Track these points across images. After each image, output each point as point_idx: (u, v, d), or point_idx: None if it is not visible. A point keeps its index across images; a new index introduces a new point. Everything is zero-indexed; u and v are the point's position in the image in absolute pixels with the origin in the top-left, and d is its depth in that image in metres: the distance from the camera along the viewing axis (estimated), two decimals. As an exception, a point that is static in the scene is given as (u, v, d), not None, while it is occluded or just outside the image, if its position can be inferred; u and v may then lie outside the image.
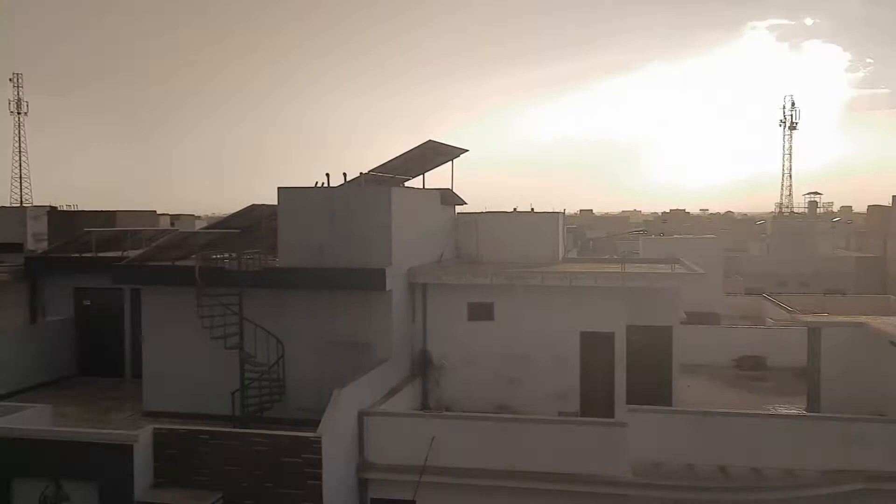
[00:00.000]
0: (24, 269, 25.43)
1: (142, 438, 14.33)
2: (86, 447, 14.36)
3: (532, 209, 26.14)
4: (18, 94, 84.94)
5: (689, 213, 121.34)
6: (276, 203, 19.38)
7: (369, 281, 18.30)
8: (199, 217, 60.31)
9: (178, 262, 20.48)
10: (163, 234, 25.34)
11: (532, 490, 15.36)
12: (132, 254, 22.67)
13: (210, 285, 17.53)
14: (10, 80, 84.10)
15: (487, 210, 26.26)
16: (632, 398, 18.42)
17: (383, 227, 18.70)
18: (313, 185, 19.96)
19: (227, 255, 19.41)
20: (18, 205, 65.99)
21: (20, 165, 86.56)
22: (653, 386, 19.73)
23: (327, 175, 20.14)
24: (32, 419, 15.59)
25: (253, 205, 20.38)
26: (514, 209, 26.08)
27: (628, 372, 19.42)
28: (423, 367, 20.32)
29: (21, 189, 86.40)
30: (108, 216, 34.05)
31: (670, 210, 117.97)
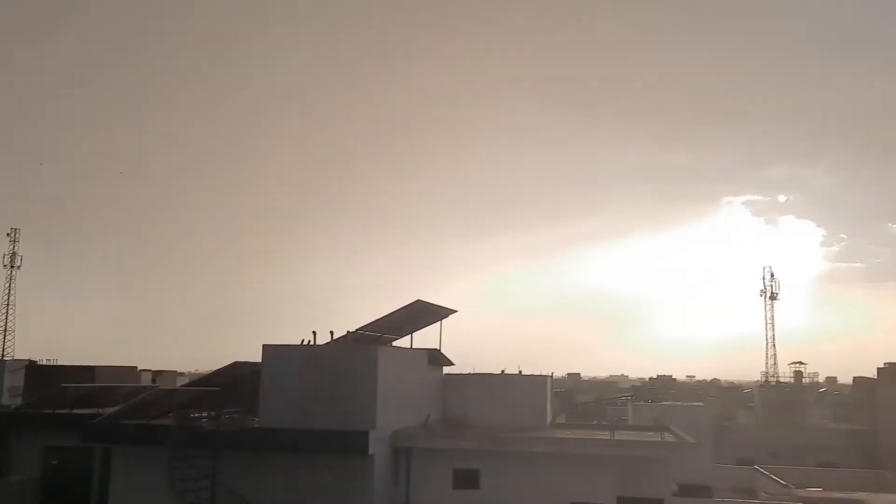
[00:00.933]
0: (-8, 424, 24.44)
1: None
2: None
3: (520, 372, 25.88)
4: (14, 248, 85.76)
5: (675, 379, 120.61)
6: (259, 361, 19.12)
7: (352, 444, 17.70)
8: (181, 373, 59.14)
9: (154, 421, 19.83)
10: (142, 391, 24.71)
11: None
12: (108, 411, 21.97)
13: (185, 446, 16.88)
14: (8, 234, 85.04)
15: (475, 371, 25.99)
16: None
17: (369, 388, 18.37)
18: (299, 343, 19.80)
19: (205, 414, 18.87)
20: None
21: (6, 318, 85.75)
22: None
23: (314, 333, 20.05)
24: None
25: (236, 362, 20.08)
26: (503, 371, 25.81)
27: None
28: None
29: (3, 342, 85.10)
30: (88, 371, 33.33)
31: (657, 376, 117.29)
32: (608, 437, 20.26)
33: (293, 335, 20.88)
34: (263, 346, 19.00)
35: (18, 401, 30.17)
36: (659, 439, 20.22)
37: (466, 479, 19.33)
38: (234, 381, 20.19)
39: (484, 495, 19.18)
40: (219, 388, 19.89)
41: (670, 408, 42.33)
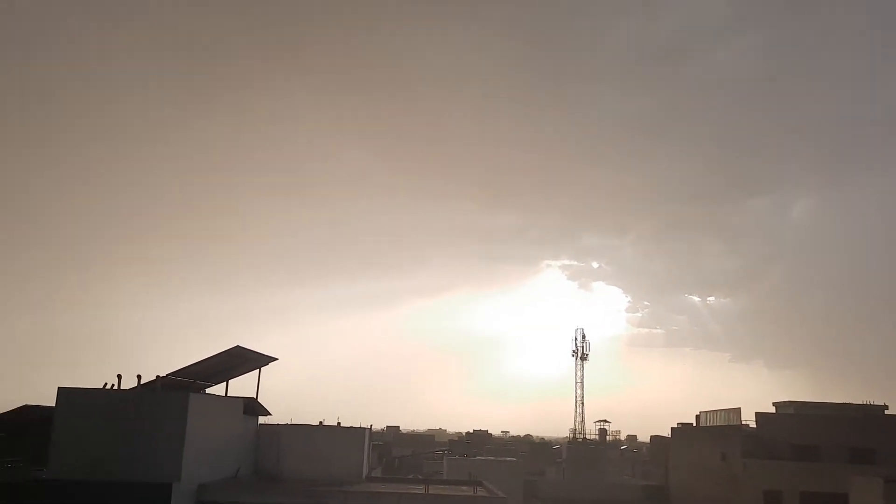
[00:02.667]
0: None
1: None
2: None
3: (339, 423, 25.53)
4: None
5: (491, 434, 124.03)
6: (53, 405, 17.50)
7: (152, 497, 16.52)
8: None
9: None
10: None
11: None
12: None
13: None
14: None
15: (293, 422, 25.30)
16: None
17: (176, 437, 17.31)
18: (101, 387, 18.36)
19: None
20: None
21: None
22: None
23: (119, 377, 18.71)
24: None
25: (25, 406, 18.29)
26: (321, 422, 25.33)
27: None
28: None
29: None
30: None
31: (474, 430, 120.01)
32: (422, 492, 20.34)
33: (96, 378, 19.37)
34: (59, 388, 17.42)
35: None
36: (471, 493, 20.60)
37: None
38: (21, 426, 18.32)
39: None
40: (2, 435, 17.95)
41: (484, 462, 43.35)
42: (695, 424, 44.81)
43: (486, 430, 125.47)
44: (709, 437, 39.80)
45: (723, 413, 40.17)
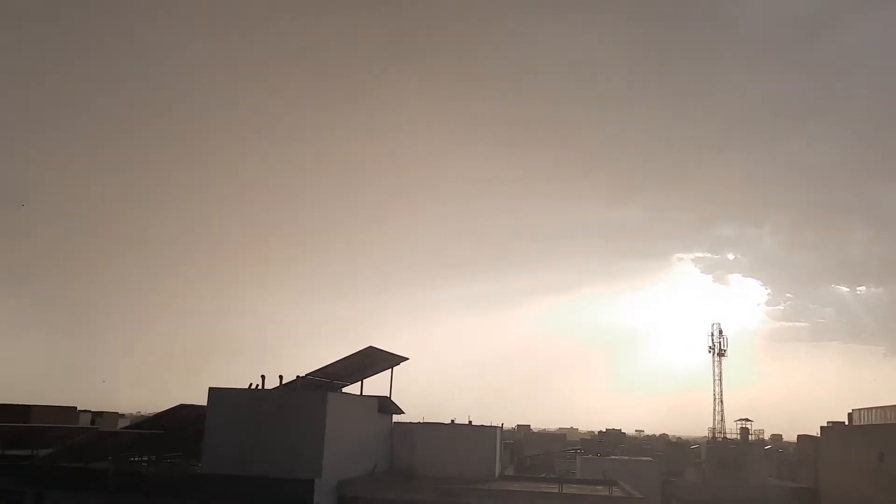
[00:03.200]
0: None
1: None
2: None
3: (470, 422, 25.75)
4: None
5: (624, 433, 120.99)
6: (205, 404, 18.69)
7: (296, 493, 17.30)
8: (122, 415, 57.23)
9: (92, 465, 19.13)
10: (79, 433, 23.84)
11: None
12: (43, 452, 21.11)
13: (123, 491, 16.30)
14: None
15: (425, 420, 25.76)
16: None
17: (316, 435, 18.05)
18: (247, 387, 19.43)
19: (145, 458, 18.29)
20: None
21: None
22: None
23: (262, 377, 19.74)
24: None
25: (181, 405, 19.59)
26: (452, 421, 25.65)
27: None
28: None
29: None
30: (22, 410, 31.99)
31: (606, 429, 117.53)
32: (556, 491, 20.15)
33: (241, 379, 20.52)
34: (209, 389, 18.60)
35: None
36: (607, 493, 20.21)
37: (413, 531, 18.99)
38: (178, 424, 19.68)
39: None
40: (161, 432, 19.35)
41: (619, 462, 42.41)
42: (847, 423, 41.90)
43: (620, 429, 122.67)
44: (864, 436, 37.11)
45: (879, 411, 37.36)
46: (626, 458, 52.61)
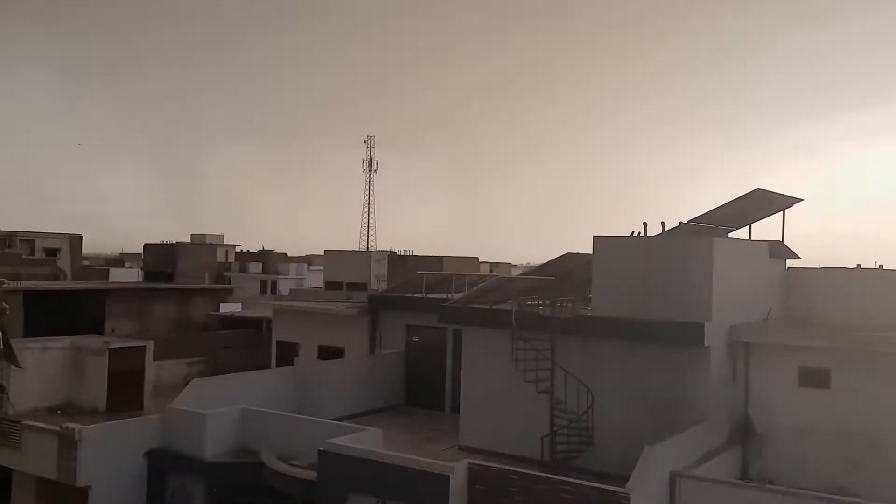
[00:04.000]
0: (367, 305, 28.78)
1: (457, 471, 15.09)
2: (409, 473, 15.50)
3: (880, 267, 22.96)
4: (370, 153, 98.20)
5: None
6: (590, 252, 19.49)
7: (686, 336, 17.42)
8: (514, 265, 63.04)
9: (497, 306, 21.53)
10: (484, 280, 26.90)
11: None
12: (456, 296, 24.36)
13: (525, 329, 18.09)
14: (365, 141, 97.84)
15: (823, 266, 23.65)
16: None
17: (703, 280, 17.75)
18: (629, 235, 19.73)
19: (541, 301, 19.92)
20: (365, 250, 75.39)
21: (368, 216, 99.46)
22: None
23: (644, 224, 19.78)
24: (366, 441, 17.30)
25: (567, 253, 20.72)
26: (858, 265, 23.12)
27: None
28: (743, 433, 18.68)
29: (368, 236, 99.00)
30: (437, 261, 37.16)
31: None
32: None
33: (620, 228, 20.88)
34: (594, 237, 19.28)
35: (384, 285, 34.86)
36: None
37: (815, 378, 17.99)
38: (565, 272, 20.93)
39: (836, 396, 17.72)
40: (552, 278, 20.81)
41: None
42: None
43: None
44: None
45: None
46: None
